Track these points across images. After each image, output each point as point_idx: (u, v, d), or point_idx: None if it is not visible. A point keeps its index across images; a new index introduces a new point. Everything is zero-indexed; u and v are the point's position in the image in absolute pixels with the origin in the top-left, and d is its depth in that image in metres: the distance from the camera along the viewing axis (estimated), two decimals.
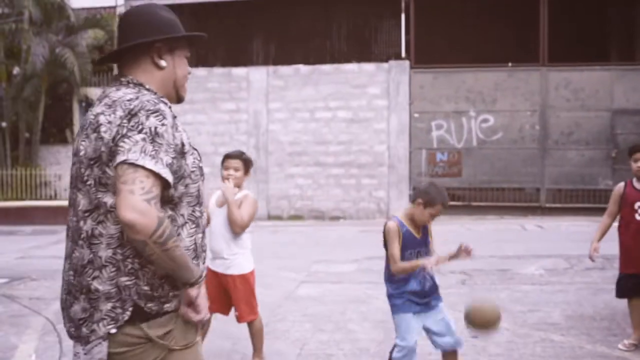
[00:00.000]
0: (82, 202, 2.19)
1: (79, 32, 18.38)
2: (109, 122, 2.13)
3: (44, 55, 17.25)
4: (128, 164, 2.05)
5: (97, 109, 2.23)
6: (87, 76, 18.34)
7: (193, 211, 2.28)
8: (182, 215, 2.25)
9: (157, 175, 2.07)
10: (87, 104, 19.10)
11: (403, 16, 17.21)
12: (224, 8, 18.22)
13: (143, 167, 2.05)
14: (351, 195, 17.13)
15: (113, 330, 2.15)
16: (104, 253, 2.15)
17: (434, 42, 17.30)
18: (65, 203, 17.41)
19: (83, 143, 2.21)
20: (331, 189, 16.87)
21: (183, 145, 2.20)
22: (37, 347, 5.92)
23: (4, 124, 18.48)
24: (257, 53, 18.18)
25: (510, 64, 16.80)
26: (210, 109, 17.55)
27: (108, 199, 2.13)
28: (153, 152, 2.07)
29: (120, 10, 18.35)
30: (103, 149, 2.12)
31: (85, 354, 2.19)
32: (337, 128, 17.22)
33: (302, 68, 17.42)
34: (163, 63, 2.34)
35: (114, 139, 2.10)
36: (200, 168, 2.33)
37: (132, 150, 2.05)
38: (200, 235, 2.33)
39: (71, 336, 2.26)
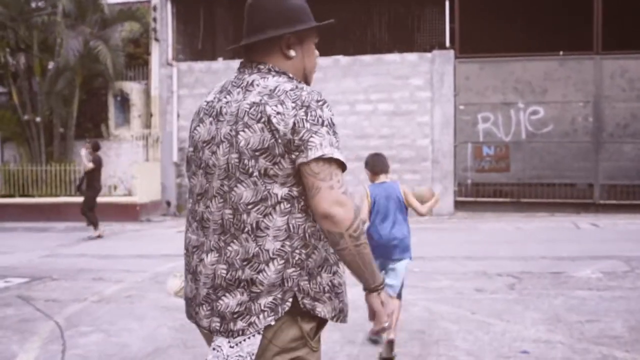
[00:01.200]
0: (245, 194, 2.14)
1: (113, 25, 18.04)
2: (280, 114, 2.09)
3: (77, 49, 16.92)
4: (324, 160, 2.06)
5: (250, 97, 2.17)
6: (121, 70, 17.99)
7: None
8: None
9: (341, 165, 2.10)
10: (123, 98, 18.76)
11: (447, 3, 16.43)
12: None
13: (336, 161, 2.08)
14: None
15: (272, 322, 2.14)
16: (272, 245, 2.13)
17: (480, 31, 16.52)
18: (102, 199, 17.25)
19: (242, 134, 2.13)
20: None
21: None
22: (37, 356, 5.41)
23: (38, 119, 18.22)
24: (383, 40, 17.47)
25: (561, 53, 15.94)
26: None
27: (278, 191, 2.12)
28: (337, 143, 2.11)
29: (156, 2, 17.90)
30: (279, 141, 2.08)
31: (231, 347, 2.17)
32: (378, 121, 16.57)
33: (342, 59, 16.81)
34: (292, 53, 2.30)
35: (293, 131, 2.07)
36: None
37: (324, 144, 2.06)
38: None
39: (213, 331, 2.22)
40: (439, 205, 8.63)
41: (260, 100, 2.13)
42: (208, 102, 2.33)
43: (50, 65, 18.20)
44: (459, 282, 8.21)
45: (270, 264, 2.12)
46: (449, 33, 16.51)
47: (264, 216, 2.13)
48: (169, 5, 17.91)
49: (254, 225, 2.13)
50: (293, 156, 2.08)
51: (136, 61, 19.31)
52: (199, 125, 2.31)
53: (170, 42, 17.92)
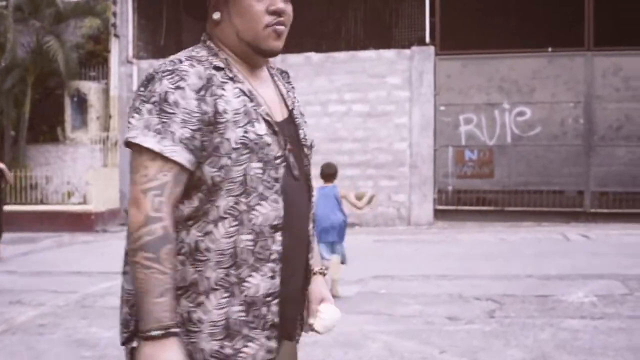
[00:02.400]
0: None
1: (68, 20, 16.88)
2: None
3: (28, 44, 15.76)
4: (132, 145, 1.70)
5: None
6: (76, 67, 16.83)
7: (236, 203, 1.75)
8: (218, 207, 1.74)
9: (158, 155, 1.67)
10: (80, 98, 17.54)
11: None
12: None
13: (146, 148, 1.67)
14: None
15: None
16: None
17: (462, 25, 15.43)
18: (53, 207, 15.98)
19: None
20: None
21: (218, 113, 1.73)
22: None
23: None
24: (358, 36, 16.33)
25: (550, 49, 14.87)
26: None
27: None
28: (159, 126, 1.68)
29: None
30: None
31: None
32: (353, 123, 15.42)
33: (314, 56, 15.66)
34: (215, 16, 1.87)
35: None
36: (262, 146, 1.77)
37: (135, 126, 1.70)
38: (248, 236, 1.75)
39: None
40: (375, 199, 9.62)
41: None
42: None
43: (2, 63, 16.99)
44: (431, 307, 7.11)
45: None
46: (429, 28, 15.41)
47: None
48: None
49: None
50: None
51: (96, 59, 18.12)
52: None
53: (131, 38, 16.74)
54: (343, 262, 7.91)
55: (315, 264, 2.05)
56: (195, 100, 1.71)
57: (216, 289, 1.74)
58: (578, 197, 14.86)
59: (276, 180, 1.80)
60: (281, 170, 1.81)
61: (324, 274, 2.10)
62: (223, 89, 1.77)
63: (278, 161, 1.81)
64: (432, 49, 15.24)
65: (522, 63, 14.99)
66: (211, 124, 1.73)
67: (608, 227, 13.77)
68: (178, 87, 1.70)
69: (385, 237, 13.09)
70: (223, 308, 1.74)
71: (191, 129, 1.70)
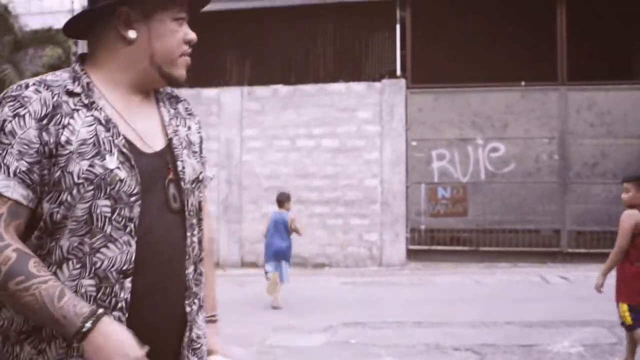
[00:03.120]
0: None
1: (27, 49, 16.26)
2: None
3: None
4: None
5: None
6: None
7: (80, 243, 1.62)
8: (61, 247, 1.62)
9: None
10: None
11: (398, 28, 14.95)
12: (191, 20, 15.95)
13: None
14: (338, 238, 14.65)
15: None
16: None
17: (434, 58, 14.99)
18: None
19: None
20: (314, 231, 14.35)
21: (60, 144, 1.60)
22: None
23: None
24: (229, 72, 15.80)
25: (523, 83, 14.50)
26: None
27: None
28: None
29: None
30: None
31: None
32: (322, 159, 14.85)
33: (282, 89, 15.14)
34: (131, 34, 1.73)
35: None
36: (110, 182, 1.63)
37: None
38: (89, 281, 1.63)
39: None
40: (302, 227, 10.18)
41: None
42: None
43: None
44: (406, 359, 6.48)
45: None
46: (400, 61, 14.99)
47: None
48: None
49: None
50: None
51: None
52: None
53: None
54: (282, 280, 9.54)
55: (207, 308, 1.93)
56: (35, 129, 1.60)
57: (57, 338, 1.62)
58: (554, 237, 14.38)
59: (130, 219, 1.66)
60: (136, 209, 1.67)
61: (214, 321, 2.01)
62: (72, 117, 1.65)
63: (133, 199, 1.67)
64: (403, 82, 14.80)
65: (495, 97, 14.61)
66: (52, 156, 1.61)
67: (587, 267, 13.21)
68: (17, 115, 1.60)
69: (355, 279, 12.45)
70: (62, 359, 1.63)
71: (28, 162, 1.59)
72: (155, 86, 1.83)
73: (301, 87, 15.10)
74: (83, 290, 1.62)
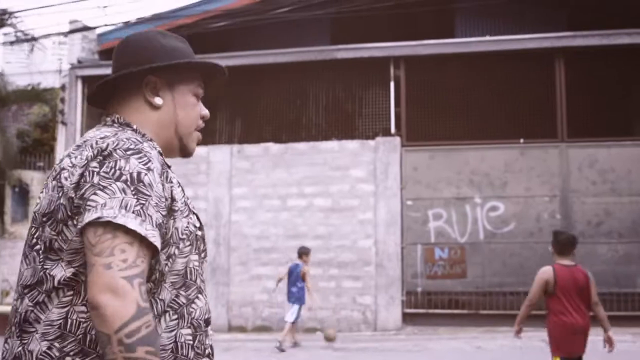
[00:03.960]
0: (25, 274, 1.67)
1: (11, 106, 15.89)
2: (73, 166, 1.63)
3: None
4: (103, 226, 1.51)
5: (65, 152, 1.74)
6: (15, 156, 15.72)
7: (177, 296, 1.71)
8: (163, 300, 1.68)
9: (144, 241, 1.53)
10: (22, 189, 16.32)
11: (392, 85, 14.61)
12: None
13: (125, 229, 1.51)
14: (330, 302, 13.99)
15: None
16: (36, 346, 1.60)
17: (429, 115, 14.60)
18: None
19: (40, 195, 1.70)
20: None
21: (174, 200, 1.69)
22: None
23: None
24: (219, 129, 15.38)
25: (522, 140, 14.07)
26: None
27: (57, 272, 1.60)
28: (138, 207, 1.55)
29: (64, 81, 15.83)
30: (62, 200, 1.61)
31: None
32: (314, 219, 14.32)
33: (272, 147, 14.73)
34: (158, 101, 1.83)
35: (77, 186, 1.59)
36: (197, 239, 1.78)
37: (108, 205, 1.53)
38: (187, 330, 1.72)
39: None
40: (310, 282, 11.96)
41: (69, 153, 1.68)
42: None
43: None
44: None
45: None
46: (395, 118, 14.60)
47: (35, 305, 1.62)
48: (79, 85, 15.79)
49: (23, 316, 1.64)
50: (76, 222, 1.58)
51: (43, 148, 17.05)
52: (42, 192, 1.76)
53: (79, 126, 15.69)
54: (294, 322, 11.66)
55: None
56: (161, 184, 1.65)
57: None
58: None
59: (203, 273, 1.82)
60: (206, 264, 1.85)
61: None
62: (172, 175, 1.74)
63: (203, 254, 1.83)
64: (397, 139, 14.38)
65: (493, 155, 14.15)
66: (170, 211, 1.68)
67: (592, 331, 12.57)
68: (149, 169, 1.61)
69: (348, 345, 11.76)
70: None
71: (162, 215, 1.62)
72: (170, 156, 1.88)
73: (293, 145, 14.70)
74: (182, 339, 1.71)
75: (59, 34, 16.04)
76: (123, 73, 1.80)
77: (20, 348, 1.62)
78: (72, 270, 1.59)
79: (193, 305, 1.74)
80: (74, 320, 1.59)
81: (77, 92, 15.80)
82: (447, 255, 13.91)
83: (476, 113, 14.85)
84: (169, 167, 1.76)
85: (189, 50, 1.90)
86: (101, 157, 1.60)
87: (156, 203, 1.59)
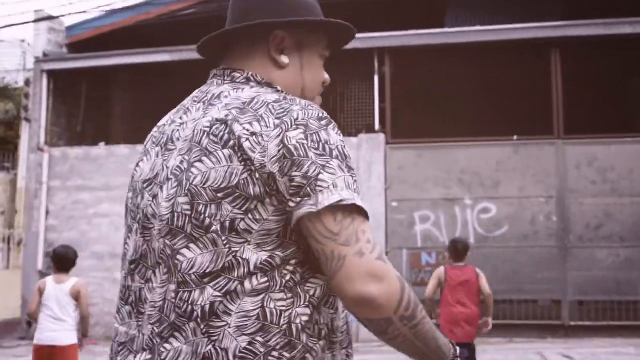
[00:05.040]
0: (200, 260, 1.46)
1: None
2: (255, 135, 1.46)
3: None
4: (342, 210, 1.43)
5: (212, 112, 1.55)
6: None
7: None
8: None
9: (366, 217, 1.47)
10: None
11: (376, 79, 13.71)
12: (133, 70, 14.81)
13: (358, 209, 1.45)
14: None
15: None
16: (234, 343, 1.43)
17: (417, 111, 13.79)
18: None
19: (198, 165, 1.48)
20: None
21: None
22: None
23: None
24: None
25: (516, 137, 13.18)
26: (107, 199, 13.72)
27: (250, 255, 1.45)
28: (355, 185, 1.48)
29: (29, 76, 14.94)
30: (256, 176, 1.44)
31: None
32: None
33: None
34: (284, 60, 1.68)
35: (283, 163, 1.44)
36: None
37: (339, 185, 1.44)
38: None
39: None
40: None
41: (227, 115, 1.50)
42: (159, 127, 1.70)
43: None
44: None
45: None
46: (379, 114, 13.70)
47: (225, 295, 1.44)
48: (44, 80, 14.85)
49: (208, 309, 1.44)
50: (291, 203, 1.43)
51: (7, 146, 16.17)
52: (142, 160, 1.65)
53: (44, 123, 14.75)
54: None
55: None
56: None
57: None
58: (554, 308, 12.85)
59: None
60: None
61: None
62: None
63: None
64: (382, 136, 13.47)
65: (484, 153, 13.24)
66: None
67: (592, 343, 11.68)
68: (342, 140, 1.52)
69: None
70: None
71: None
72: None
73: None
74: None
75: (22, 23, 15.18)
76: (251, 24, 1.64)
77: (210, 347, 1.44)
78: (265, 253, 1.46)
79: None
80: (274, 310, 1.46)
81: (43, 88, 14.84)
82: (435, 260, 12.97)
83: (466, 108, 14.01)
84: None
85: (319, 8, 1.76)
86: (302, 128, 1.47)
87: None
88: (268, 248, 1.46)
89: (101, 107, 15.65)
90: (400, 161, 13.41)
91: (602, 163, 12.82)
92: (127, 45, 14.30)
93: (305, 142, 1.44)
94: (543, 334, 12.46)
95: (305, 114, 1.48)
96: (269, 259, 1.45)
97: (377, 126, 13.70)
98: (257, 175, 1.44)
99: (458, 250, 7.32)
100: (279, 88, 1.64)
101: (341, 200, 1.41)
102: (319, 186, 1.41)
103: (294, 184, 1.42)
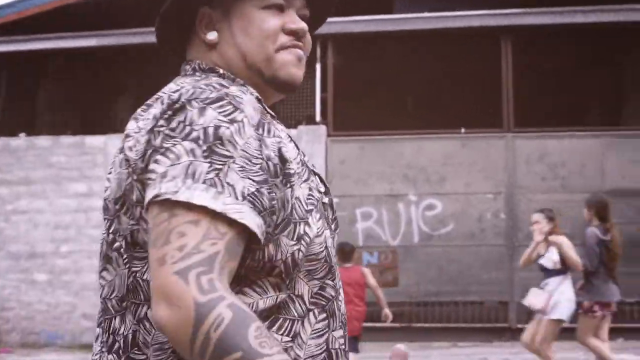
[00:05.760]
0: (116, 283, 1.30)
1: None
2: (138, 130, 1.28)
3: None
4: (159, 204, 1.16)
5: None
6: None
7: (322, 288, 1.34)
8: (301, 297, 1.31)
9: (220, 219, 1.15)
10: None
11: (318, 68, 13.00)
12: (77, 58, 13.92)
13: (187, 205, 1.14)
14: None
15: None
16: None
17: (360, 102, 13.29)
18: None
19: (109, 176, 1.33)
20: None
21: (285, 161, 1.28)
22: None
23: None
24: (120, 117, 13.84)
25: (463, 130, 12.61)
26: (52, 192, 12.94)
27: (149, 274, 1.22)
28: (212, 175, 1.17)
29: None
30: (133, 177, 1.25)
31: None
32: None
33: None
34: (211, 37, 1.44)
35: (143, 155, 1.23)
36: (325, 207, 1.39)
37: (169, 174, 1.16)
38: (340, 332, 1.37)
39: None
40: None
41: (136, 115, 1.33)
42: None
43: None
44: None
45: None
46: (320, 104, 13.06)
47: (139, 323, 1.25)
48: None
49: (130, 339, 1.26)
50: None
51: None
52: (110, 174, 1.36)
53: None
54: None
55: None
56: (256, 140, 1.23)
57: None
58: (501, 310, 12.35)
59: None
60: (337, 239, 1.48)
61: None
62: (276, 128, 1.32)
63: (334, 226, 1.44)
64: (323, 128, 12.81)
65: (430, 147, 12.67)
66: (276, 175, 1.26)
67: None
68: (233, 121, 1.21)
69: None
70: None
71: (254, 181, 1.19)
72: (270, 100, 1.48)
73: None
74: (337, 345, 1.35)
75: None
76: (167, 6, 1.42)
77: None
78: None
79: (340, 298, 1.39)
80: None
81: None
82: (377, 260, 12.48)
83: (412, 100, 13.48)
84: (274, 117, 1.37)
85: None
86: (171, 112, 1.22)
87: (242, 166, 1.19)
88: None
89: (24, 95, 14.71)
90: (341, 155, 12.77)
91: (553, 158, 12.33)
92: (54, 29, 13.44)
93: (162, 127, 1.21)
94: (489, 337, 11.96)
95: (189, 95, 1.24)
96: None
97: (318, 117, 13.07)
98: (135, 177, 1.24)
99: (345, 252, 7.77)
100: (222, 71, 1.42)
101: (155, 196, 1.15)
102: (148, 179, 1.20)
103: (141, 178, 1.22)
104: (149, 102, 1.33)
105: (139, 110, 1.33)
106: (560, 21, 12.50)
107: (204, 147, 1.17)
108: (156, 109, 1.25)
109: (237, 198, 1.16)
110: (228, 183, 1.16)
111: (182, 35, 1.48)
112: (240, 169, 1.18)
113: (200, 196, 1.13)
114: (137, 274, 1.25)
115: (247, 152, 1.20)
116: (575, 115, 13.63)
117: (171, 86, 1.34)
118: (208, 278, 1.11)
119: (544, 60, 13.06)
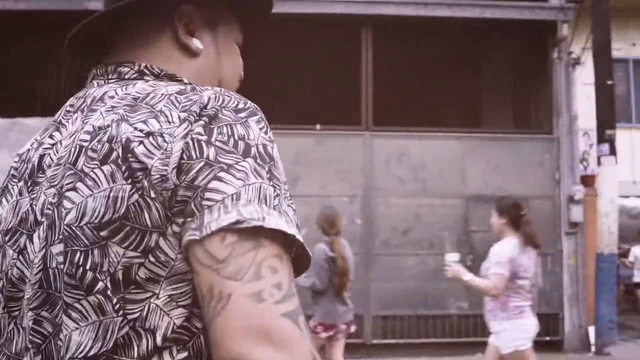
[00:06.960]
0: (76, 339, 0.99)
1: None
2: (152, 134, 1.02)
3: None
4: (240, 232, 0.97)
5: (92, 120, 1.08)
6: None
7: None
8: None
9: (289, 250, 1.04)
10: None
11: None
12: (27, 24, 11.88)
13: (271, 234, 0.99)
14: None
15: None
16: None
17: None
18: None
19: (71, 195, 1.02)
20: None
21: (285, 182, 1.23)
22: None
23: None
24: (58, 98, 11.89)
25: (318, 127, 11.56)
26: None
27: (158, 320, 0.98)
28: (277, 200, 1.05)
29: None
30: (150, 193, 0.99)
31: None
32: None
33: None
34: (197, 44, 1.24)
35: (180, 169, 0.99)
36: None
37: (243, 196, 0.99)
38: None
39: None
40: None
41: (113, 119, 1.05)
42: (20, 156, 1.20)
43: None
44: None
45: None
46: None
47: None
48: None
49: None
50: (175, 227, 0.99)
51: None
52: None
53: None
54: None
55: None
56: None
57: None
58: (358, 323, 11.32)
59: None
60: None
61: None
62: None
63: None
64: None
65: (282, 143, 11.10)
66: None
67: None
68: (272, 140, 1.11)
69: None
70: None
71: (292, 208, 1.12)
72: None
73: None
74: None
75: None
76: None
77: None
78: (182, 312, 0.98)
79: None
80: None
81: None
82: None
83: (263, 91, 12.17)
84: None
85: None
86: (206, 118, 1.02)
87: (286, 190, 1.12)
88: (185, 302, 0.98)
89: None
90: None
91: (413, 159, 11.48)
92: None
93: (203, 137, 1.01)
94: (343, 354, 10.92)
95: (217, 101, 1.05)
96: (186, 322, 0.98)
97: None
98: (153, 194, 0.98)
99: None
100: (185, 80, 1.18)
101: (237, 222, 0.95)
102: (208, 199, 0.97)
103: (177, 197, 0.98)
104: (128, 104, 1.06)
105: (126, 113, 1.05)
106: (418, 13, 11.68)
107: (266, 168, 1.05)
108: (175, 112, 1.03)
109: (296, 227, 1.06)
110: (284, 211, 1.05)
111: (143, 30, 1.21)
112: (285, 193, 1.09)
113: (284, 225, 1.00)
114: (137, 323, 0.96)
115: (283, 176, 1.10)
116: (438, 115, 12.94)
117: (142, 88, 1.11)
118: (308, 326, 0.98)
119: (406, 56, 12.27)
